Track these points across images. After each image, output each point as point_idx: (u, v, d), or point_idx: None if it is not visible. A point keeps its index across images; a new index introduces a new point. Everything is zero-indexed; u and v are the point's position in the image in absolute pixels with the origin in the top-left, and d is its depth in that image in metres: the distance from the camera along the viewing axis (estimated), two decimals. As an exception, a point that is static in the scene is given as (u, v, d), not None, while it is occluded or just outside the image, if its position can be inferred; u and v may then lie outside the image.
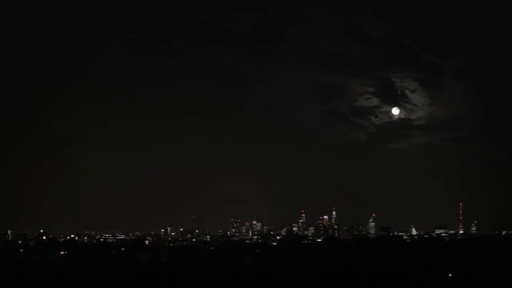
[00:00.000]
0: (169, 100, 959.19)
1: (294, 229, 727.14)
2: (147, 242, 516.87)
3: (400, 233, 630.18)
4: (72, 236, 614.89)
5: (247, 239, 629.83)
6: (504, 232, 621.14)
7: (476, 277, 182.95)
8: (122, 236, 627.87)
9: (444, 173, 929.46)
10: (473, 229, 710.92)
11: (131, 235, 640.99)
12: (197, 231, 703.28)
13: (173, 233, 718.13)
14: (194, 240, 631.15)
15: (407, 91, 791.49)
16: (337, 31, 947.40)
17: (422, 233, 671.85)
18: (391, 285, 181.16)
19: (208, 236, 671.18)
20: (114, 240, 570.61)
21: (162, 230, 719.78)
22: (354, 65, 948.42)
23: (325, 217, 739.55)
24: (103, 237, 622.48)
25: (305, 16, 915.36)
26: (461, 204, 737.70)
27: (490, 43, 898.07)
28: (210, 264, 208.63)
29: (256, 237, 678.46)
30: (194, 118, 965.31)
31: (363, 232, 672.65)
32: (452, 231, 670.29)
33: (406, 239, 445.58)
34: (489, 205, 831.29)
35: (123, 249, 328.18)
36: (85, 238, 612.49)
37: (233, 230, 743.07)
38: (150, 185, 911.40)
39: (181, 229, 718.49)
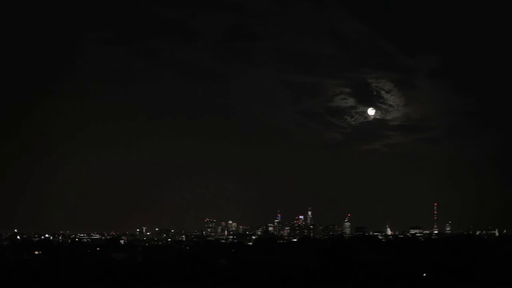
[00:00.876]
0: (144, 100, 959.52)
1: (270, 229, 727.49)
2: (122, 242, 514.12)
3: (375, 233, 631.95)
4: (47, 236, 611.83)
5: (222, 239, 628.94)
6: (478, 232, 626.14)
7: (450, 277, 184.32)
8: (97, 236, 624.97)
9: (419, 173, 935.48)
10: (448, 229, 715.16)
11: (106, 234, 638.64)
12: (172, 231, 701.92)
13: (148, 233, 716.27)
14: (169, 240, 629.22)
15: (382, 92, 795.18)
16: (312, 31, 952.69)
17: (397, 233, 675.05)
18: (366, 285, 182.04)
19: (183, 236, 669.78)
20: (89, 239, 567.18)
21: (138, 230, 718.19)
22: (329, 66, 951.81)
23: (301, 217, 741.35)
24: (78, 236, 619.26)
25: (280, 16, 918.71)
26: (435, 204, 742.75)
27: (464, 44, 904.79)
28: (185, 264, 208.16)
29: (231, 237, 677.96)
30: (169, 118, 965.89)
31: (339, 232, 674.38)
32: (427, 231, 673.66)
33: (381, 239, 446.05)
34: (463, 205, 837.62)
35: (98, 249, 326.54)
36: (60, 237, 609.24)
37: (209, 230, 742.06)
38: (126, 185, 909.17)
39: (157, 229, 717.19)
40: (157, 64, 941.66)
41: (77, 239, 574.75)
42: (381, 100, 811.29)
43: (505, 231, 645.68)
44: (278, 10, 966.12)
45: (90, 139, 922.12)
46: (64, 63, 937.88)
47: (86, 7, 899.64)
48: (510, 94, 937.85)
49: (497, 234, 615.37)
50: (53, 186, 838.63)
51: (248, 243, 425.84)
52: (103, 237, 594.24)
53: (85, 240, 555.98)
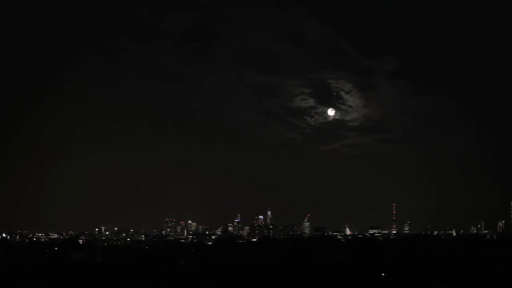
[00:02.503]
0: (103, 100, 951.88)
1: (230, 228, 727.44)
2: (80, 241, 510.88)
3: (334, 233, 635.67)
4: (4, 235, 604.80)
5: (182, 239, 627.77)
6: (436, 232, 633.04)
7: (409, 276, 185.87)
8: (55, 236, 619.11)
9: (378, 174, 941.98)
10: (406, 229, 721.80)
11: (64, 234, 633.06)
12: (131, 230, 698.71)
13: (107, 233, 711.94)
14: (128, 239, 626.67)
15: (342, 92, 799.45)
16: (273, 31, 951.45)
17: (356, 233, 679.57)
18: (326, 285, 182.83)
19: (142, 236, 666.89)
20: (47, 239, 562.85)
21: (96, 229, 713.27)
22: (289, 66, 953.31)
23: (261, 217, 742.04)
24: (35, 236, 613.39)
25: (241, 16, 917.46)
26: (394, 204, 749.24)
27: (423, 45, 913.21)
28: (144, 264, 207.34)
29: (191, 236, 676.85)
30: (131, 119, 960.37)
31: (298, 232, 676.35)
32: (386, 231, 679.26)
33: (340, 239, 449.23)
34: (421, 205, 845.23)
35: (56, 248, 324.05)
36: (17, 237, 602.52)
37: (168, 229, 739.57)
38: (85, 185, 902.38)
39: (116, 229, 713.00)
40: (117, 64, 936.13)
41: (35, 239, 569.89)
42: (340, 101, 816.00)
43: (462, 231, 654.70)
44: (239, 10, 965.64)
45: (53, 140, 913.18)
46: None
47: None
48: (468, 95, 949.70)
49: (454, 234, 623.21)
50: (12, 186, 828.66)
51: (208, 243, 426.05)
52: (61, 237, 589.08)
53: (43, 240, 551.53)
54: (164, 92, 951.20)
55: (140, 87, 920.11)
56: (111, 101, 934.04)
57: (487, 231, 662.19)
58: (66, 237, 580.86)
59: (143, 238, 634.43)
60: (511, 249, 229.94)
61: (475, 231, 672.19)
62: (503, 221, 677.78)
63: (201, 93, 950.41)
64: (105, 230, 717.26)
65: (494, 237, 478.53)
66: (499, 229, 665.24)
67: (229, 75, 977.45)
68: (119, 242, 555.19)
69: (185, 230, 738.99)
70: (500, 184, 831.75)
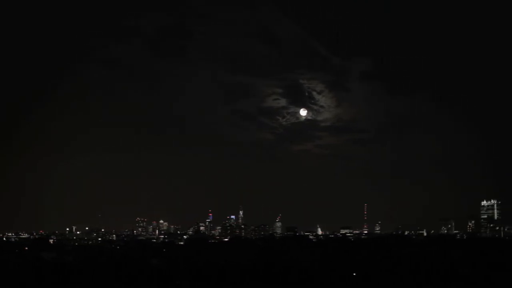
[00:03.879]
0: (77, 98, 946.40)
1: (201, 228, 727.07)
2: (51, 241, 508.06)
3: (306, 233, 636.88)
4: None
5: (153, 238, 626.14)
6: (406, 232, 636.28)
7: (380, 276, 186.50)
8: (26, 235, 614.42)
9: (349, 174, 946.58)
10: (377, 229, 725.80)
11: (35, 234, 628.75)
12: (103, 230, 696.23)
13: (78, 232, 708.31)
14: (100, 239, 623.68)
15: (314, 93, 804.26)
16: (245, 31, 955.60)
17: (327, 233, 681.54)
18: (297, 284, 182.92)
19: (114, 235, 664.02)
20: (17, 239, 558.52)
21: (67, 229, 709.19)
22: (262, 66, 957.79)
23: (232, 216, 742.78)
24: (5, 236, 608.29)
25: (213, 16, 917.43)
26: (365, 205, 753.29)
27: (395, 46, 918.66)
28: (116, 263, 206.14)
29: (163, 236, 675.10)
30: (104, 117, 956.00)
31: (270, 232, 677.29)
32: (357, 231, 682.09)
33: (312, 239, 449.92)
34: (392, 206, 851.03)
35: (26, 248, 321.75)
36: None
37: (140, 229, 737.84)
38: (56, 185, 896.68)
39: (87, 228, 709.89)
40: (89, 64, 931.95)
41: (4, 239, 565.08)
42: (312, 101, 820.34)
43: (432, 231, 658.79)
44: (213, 11, 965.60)
45: (26, 141, 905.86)
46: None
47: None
48: (441, 96, 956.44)
49: (425, 234, 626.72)
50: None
51: (180, 243, 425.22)
52: (31, 237, 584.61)
53: (13, 239, 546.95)
54: (137, 92, 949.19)
55: (114, 86, 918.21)
56: (81, 99, 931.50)
57: (457, 231, 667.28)
58: (37, 236, 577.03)
59: (115, 238, 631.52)
60: (480, 249, 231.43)
61: (445, 231, 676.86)
62: (473, 221, 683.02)
63: (174, 92, 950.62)
64: (76, 230, 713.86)
65: (464, 237, 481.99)
66: (469, 229, 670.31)
67: (201, 75, 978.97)
68: (90, 242, 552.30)
69: (157, 230, 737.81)
70: (471, 185, 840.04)
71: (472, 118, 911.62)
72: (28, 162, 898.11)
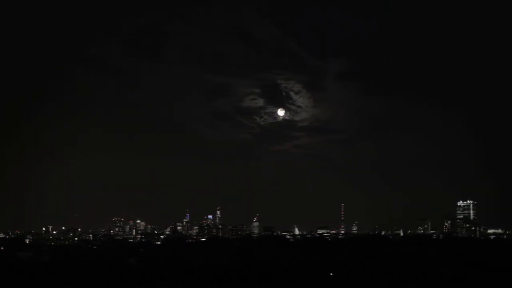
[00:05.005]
0: (54, 96, 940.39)
1: (179, 228, 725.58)
2: (27, 241, 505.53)
3: (283, 233, 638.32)
4: None
5: (130, 238, 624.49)
6: (383, 232, 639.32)
7: (357, 275, 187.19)
8: (2, 235, 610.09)
9: (326, 174, 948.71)
10: (354, 229, 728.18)
11: (10, 233, 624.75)
12: (79, 229, 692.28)
13: (54, 232, 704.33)
14: (76, 239, 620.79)
15: (291, 93, 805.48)
16: (222, 31, 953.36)
17: (304, 232, 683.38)
18: (274, 284, 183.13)
19: (91, 235, 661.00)
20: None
21: (43, 229, 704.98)
22: (239, 66, 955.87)
23: (210, 216, 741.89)
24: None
25: (190, 15, 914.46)
26: (343, 205, 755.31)
27: (372, 46, 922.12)
28: (92, 263, 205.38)
29: (140, 236, 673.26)
30: (80, 115, 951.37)
31: (247, 232, 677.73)
32: (334, 231, 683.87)
33: (289, 239, 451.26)
34: (369, 206, 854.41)
35: (2, 248, 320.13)
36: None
37: (117, 229, 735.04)
38: (32, 184, 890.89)
39: (63, 228, 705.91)
40: (65, 62, 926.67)
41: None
42: (290, 101, 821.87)
43: (409, 231, 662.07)
44: (189, 10, 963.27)
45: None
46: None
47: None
48: (418, 96, 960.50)
49: (401, 234, 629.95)
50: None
51: (157, 243, 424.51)
52: (7, 236, 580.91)
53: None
54: (114, 90, 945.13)
55: (90, 86, 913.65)
56: (59, 96, 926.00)
57: (433, 231, 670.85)
58: (13, 236, 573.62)
59: (91, 238, 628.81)
60: (455, 249, 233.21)
61: (422, 231, 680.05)
62: (449, 222, 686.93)
63: (151, 92, 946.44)
64: (53, 230, 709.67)
65: (441, 237, 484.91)
66: (446, 229, 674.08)
67: (178, 74, 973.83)
68: (66, 242, 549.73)
69: (134, 230, 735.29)
70: (448, 185, 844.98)
71: (448, 119, 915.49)
72: (3, 163, 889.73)
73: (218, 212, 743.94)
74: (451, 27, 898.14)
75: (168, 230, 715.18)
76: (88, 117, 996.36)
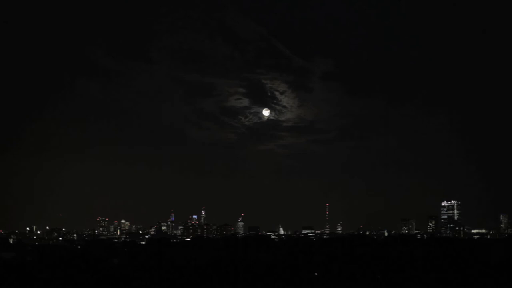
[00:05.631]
0: (36, 97, 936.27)
1: (163, 228, 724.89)
2: (11, 240, 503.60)
3: (268, 233, 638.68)
4: None
5: (115, 238, 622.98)
6: (368, 232, 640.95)
7: (341, 275, 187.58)
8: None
9: (311, 174, 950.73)
10: (339, 229, 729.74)
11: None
12: (64, 229, 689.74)
13: (38, 232, 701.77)
14: (60, 239, 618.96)
15: (276, 93, 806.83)
16: (207, 30, 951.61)
17: (289, 232, 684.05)
18: (259, 284, 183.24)
19: (75, 235, 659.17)
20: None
21: (27, 228, 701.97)
22: (224, 65, 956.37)
23: (194, 216, 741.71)
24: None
25: (175, 14, 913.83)
26: (327, 205, 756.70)
27: (357, 47, 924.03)
28: (77, 263, 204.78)
29: (124, 236, 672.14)
30: (63, 115, 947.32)
31: (232, 232, 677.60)
32: (319, 231, 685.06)
33: (274, 239, 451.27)
34: (354, 205, 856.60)
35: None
36: None
37: (101, 228, 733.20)
38: (17, 184, 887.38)
39: (47, 228, 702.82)
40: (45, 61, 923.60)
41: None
42: (275, 101, 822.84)
43: (393, 231, 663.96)
44: (174, 9, 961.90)
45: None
46: None
47: None
48: (401, 97, 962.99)
49: (386, 234, 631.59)
50: None
51: (141, 242, 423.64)
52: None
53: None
54: (97, 90, 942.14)
55: (75, 86, 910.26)
56: (42, 97, 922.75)
57: (418, 231, 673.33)
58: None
59: (76, 238, 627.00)
60: (439, 248, 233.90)
61: (406, 231, 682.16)
62: (433, 222, 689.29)
63: (136, 91, 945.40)
64: (37, 230, 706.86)
65: (425, 237, 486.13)
66: (430, 229, 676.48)
67: (163, 74, 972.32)
68: (50, 242, 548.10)
69: (118, 230, 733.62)
70: (432, 185, 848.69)
71: (433, 120, 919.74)
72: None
73: (203, 212, 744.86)
74: (435, 30, 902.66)
75: (153, 230, 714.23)
76: (74, 118, 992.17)
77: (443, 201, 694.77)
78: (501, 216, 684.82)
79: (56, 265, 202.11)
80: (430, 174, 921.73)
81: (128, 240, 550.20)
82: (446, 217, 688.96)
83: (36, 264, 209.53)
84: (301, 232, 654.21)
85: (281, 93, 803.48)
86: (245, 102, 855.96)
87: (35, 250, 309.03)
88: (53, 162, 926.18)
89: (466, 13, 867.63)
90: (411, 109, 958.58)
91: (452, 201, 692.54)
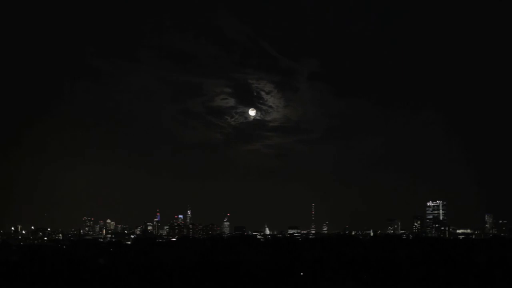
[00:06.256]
0: (22, 96, 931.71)
1: (149, 228, 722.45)
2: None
3: (254, 233, 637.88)
4: None
5: (100, 238, 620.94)
6: (353, 232, 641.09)
7: (327, 275, 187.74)
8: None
9: (297, 174, 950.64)
10: (324, 229, 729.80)
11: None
12: (49, 229, 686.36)
13: (24, 232, 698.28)
14: (46, 238, 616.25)
15: (262, 93, 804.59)
16: (194, 30, 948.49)
17: (275, 232, 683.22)
18: (245, 284, 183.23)
19: (60, 235, 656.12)
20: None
21: (12, 228, 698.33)
22: (210, 65, 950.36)
23: (180, 216, 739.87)
24: None
25: (160, 14, 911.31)
26: (313, 205, 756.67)
27: (344, 47, 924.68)
28: (62, 263, 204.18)
29: (110, 235, 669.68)
30: (48, 114, 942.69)
31: (218, 232, 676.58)
32: (305, 231, 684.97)
33: (260, 239, 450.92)
34: (340, 205, 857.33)
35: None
36: None
37: (87, 228, 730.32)
38: (1, 183, 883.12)
39: (32, 228, 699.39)
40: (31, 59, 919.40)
41: None
42: (261, 101, 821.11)
43: (379, 231, 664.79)
44: (160, 9, 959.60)
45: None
46: None
47: None
48: (388, 98, 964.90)
49: (372, 234, 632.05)
50: None
51: (127, 242, 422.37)
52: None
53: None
54: (81, 89, 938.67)
55: (60, 86, 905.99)
56: (27, 96, 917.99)
57: (403, 231, 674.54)
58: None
59: (61, 238, 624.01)
60: (424, 249, 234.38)
61: (392, 231, 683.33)
62: (419, 222, 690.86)
63: (122, 91, 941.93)
64: (22, 229, 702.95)
65: (410, 237, 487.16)
66: (415, 229, 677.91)
67: (149, 74, 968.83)
68: (36, 242, 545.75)
69: (104, 230, 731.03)
70: (418, 185, 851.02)
71: (419, 120, 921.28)
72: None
73: (189, 212, 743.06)
74: (419, 30, 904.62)
75: (139, 230, 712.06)
76: (57, 119, 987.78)
77: (429, 201, 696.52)
78: (486, 216, 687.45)
79: (41, 265, 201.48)
80: (416, 175, 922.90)
81: (113, 240, 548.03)
82: (431, 217, 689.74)
83: (21, 264, 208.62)
84: (287, 232, 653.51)
85: (267, 93, 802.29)
86: (231, 102, 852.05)
87: (20, 250, 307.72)
88: (36, 162, 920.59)
89: (456, 12, 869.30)
90: (397, 110, 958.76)
91: (437, 201, 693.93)
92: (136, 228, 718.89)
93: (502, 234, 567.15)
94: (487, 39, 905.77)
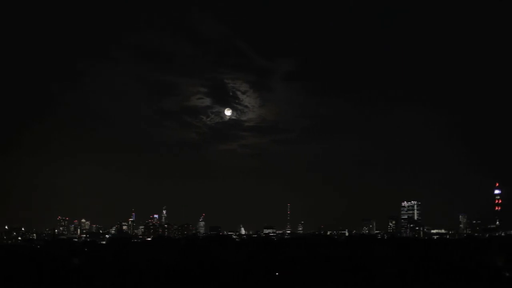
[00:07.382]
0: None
1: (124, 227, 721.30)
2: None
3: (229, 233, 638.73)
4: None
5: (75, 238, 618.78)
6: (329, 232, 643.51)
7: (303, 275, 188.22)
8: None
9: (273, 174, 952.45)
10: (300, 229, 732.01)
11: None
12: (23, 229, 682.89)
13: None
14: (20, 238, 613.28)
15: (238, 93, 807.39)
16: (170, 30, 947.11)
17: (251, 232, 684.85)
18: (220, 284, 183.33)
19: (34, 235, 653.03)
20: None
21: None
22: (186, 65, 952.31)
23: (156, 216, 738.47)
24: None
25: (138, 14, 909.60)
26: (289, 205, 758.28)
27: (320, 47, 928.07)
28: (36, 263, 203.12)
29: (84, 235, 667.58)
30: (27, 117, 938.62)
31: (193, 231, 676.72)
32: (280, 231, 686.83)
33: (235, 239, 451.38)
34: (315, 206, 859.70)
35: None
36: None
37: (61, 228, 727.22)
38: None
39: (6, 227, 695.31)
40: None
41: None
42: (237, 101, 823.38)
43: (354, 231, 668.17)
44: (136, 6, 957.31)
45: None
46: None
47: None
48: (364, 97, 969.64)
49: (347, 234, 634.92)
50: None
51: (102, 242, 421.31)
52: None
53: None
54: (57, 89, 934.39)
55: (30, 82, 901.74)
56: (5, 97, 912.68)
57: (378, 231, 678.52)
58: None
59: (35, 237, 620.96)
60: (399, 249, 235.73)
61: (367, 231, 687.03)
62: (393, 222, 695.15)
63: (97, 90, 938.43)
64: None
65: (385, 237, 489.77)
66: (390, 229, 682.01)
67: (124, 72, 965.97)
68: (10, 241, 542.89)
69: (79, 229, 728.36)
70: (392, 186, 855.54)
71: (395, 121, 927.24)
72: None
73: (164, 212, 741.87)
74: (396, 29, 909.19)
75: (114, 229, 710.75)
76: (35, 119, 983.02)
77: (403, 202, 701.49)
78: (460, 216, 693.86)
79: (15, 265, 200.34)
80: (391, 175, 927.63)
81: (88, 239, 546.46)
82: (406, 217, 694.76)
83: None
84: (262, 232, 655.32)
85: (243, 93, 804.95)
86: (207, 101, 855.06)
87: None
88: (10, 161, 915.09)
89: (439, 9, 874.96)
90: (373, 110, 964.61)
91: (412, 201, 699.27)
92: (111, 228, 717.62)
93: (476, 234, 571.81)
94: (481, 39, 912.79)
